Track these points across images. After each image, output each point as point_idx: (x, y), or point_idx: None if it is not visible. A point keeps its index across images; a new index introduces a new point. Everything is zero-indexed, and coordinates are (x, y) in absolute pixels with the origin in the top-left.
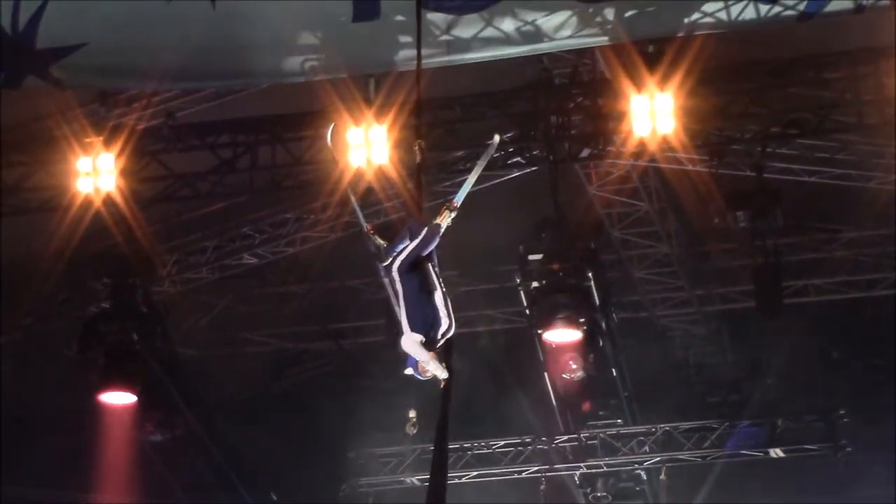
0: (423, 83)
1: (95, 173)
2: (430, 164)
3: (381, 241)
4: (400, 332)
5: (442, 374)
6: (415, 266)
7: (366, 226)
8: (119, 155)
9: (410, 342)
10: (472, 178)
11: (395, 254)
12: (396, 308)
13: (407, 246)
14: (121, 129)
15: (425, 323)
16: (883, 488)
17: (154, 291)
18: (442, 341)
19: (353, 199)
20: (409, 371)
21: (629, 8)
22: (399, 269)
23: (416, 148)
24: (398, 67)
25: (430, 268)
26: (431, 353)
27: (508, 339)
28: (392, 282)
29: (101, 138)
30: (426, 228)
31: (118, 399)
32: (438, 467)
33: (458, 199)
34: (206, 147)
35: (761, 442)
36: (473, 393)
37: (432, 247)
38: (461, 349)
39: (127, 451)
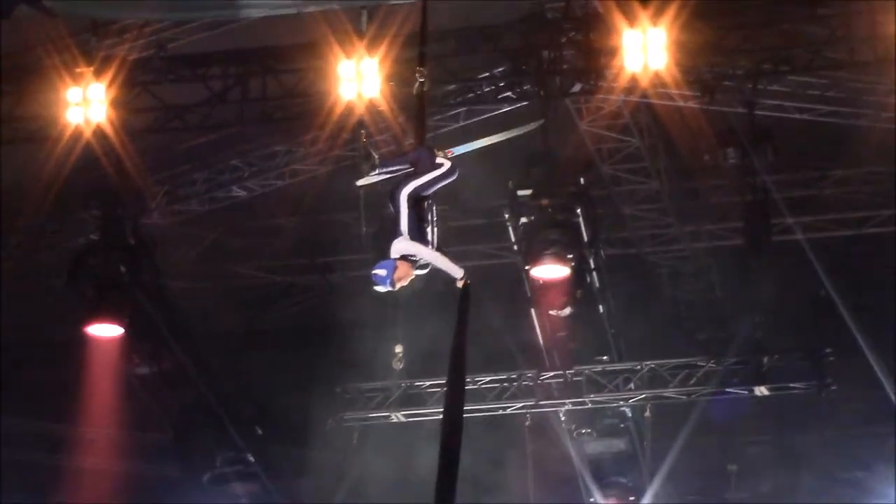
0: (414, 17)
1: (86, 104)
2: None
3: (374, 154)
4: (389, 242)
5: (458, 272)
6: (420, 197)
7: (363, 133)
8: (109, 85)
9: (410, 243)
10: (480, 143)
11: (401, 179)
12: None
13: (418, 174)
14: (112, 60)
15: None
16: (865, 426)
17: (143, 223)
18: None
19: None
20: (380, 287)
21: None
22: (408, 195)
23: (418, 75)
24: (391, 0)
25: (428, 203)
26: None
27: (496, 274)
28: (396, 204)
29: (91, 68)
30: (448, 164)
31: (105, 331)
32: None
33: (457, 151)
34: (197, 79)
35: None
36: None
37: (445, 182)
38: (450, 284)
39: (113, 384)
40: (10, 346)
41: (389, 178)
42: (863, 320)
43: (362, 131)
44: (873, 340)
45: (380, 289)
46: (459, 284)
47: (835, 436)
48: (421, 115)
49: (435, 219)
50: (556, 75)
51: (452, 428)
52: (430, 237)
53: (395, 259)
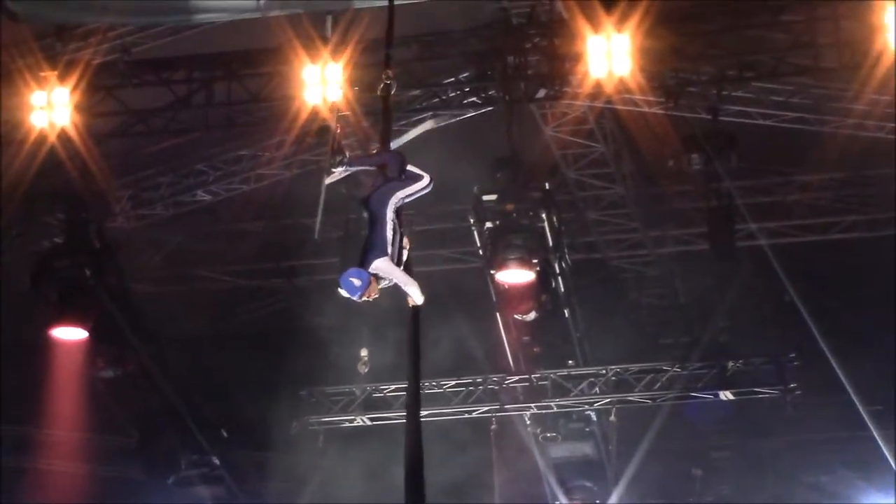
0: (378, 23)
1: (50, 107)
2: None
3: (343, 152)
4: (371, 255)
5: (420, 299)
6: (398, 210)
7: (336, 127)
8: (74, 89)
9: (390, 266)
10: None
11: (380, 188)
12: (374, 234)
13: (389, 178)
14: (76, 64)
15: (393, 252)
16: (829, 431)
17: (108, 227)
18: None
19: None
20: (347, 295)
21: None
22: (377, 202)
23: (384, 77)
24: (355, 4)
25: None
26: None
27: (461, 278)
28: (379, 216)
29: (55, 72)
30: (428, 178)
31: (70, 334)
32: (413, 394)
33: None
34: (162, 83)
35: (711, 384)
36: (424, 333)
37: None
38: None
39: (78, 387)
40: None
41: (360, 183)
42: (827, 326)
43: (336, 125)
44: (837, 346)
45: (345, 295)
46: (410, 304)
47: (799, 440)
48: (387, 117)
49: (402, 231)
50: (521, 81)
51: (414, 448)
52: (402, 258)
53: (371, 275)
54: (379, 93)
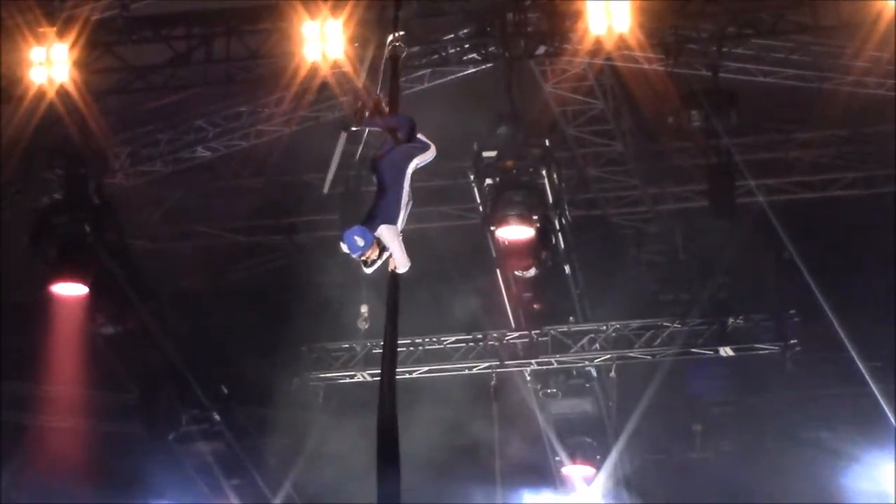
0: None
1: (49, 64)
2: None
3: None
4: (378, 219)
5: (405, 266)
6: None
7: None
8: (73, 46)
9: (396, 237)
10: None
11: (391, 152)
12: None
13: (401, 147)
14: (74, 20)
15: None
16: (828, 387)
17: (107, 183)
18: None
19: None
20: (347, 250)
21: None
22: (391, 167)
23: (393, 40)
24: None
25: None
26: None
27: (461, 235)
28: (396, 181)
29: (54, 29)
30: (433, 147)
31: (69, 290)
32: (389, 354)
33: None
34: (161, 39)
35: (711, 341)
36: (425, 289)
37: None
38: (414, 245)
39: (78, 343)
40: None
41: (359, 141)
42: (826, 282)
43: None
44: (837, 302)
45: (345, 250)
46: (391, 268)
47: (798, 396)
48: (395, 80)
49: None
50: (521, 37)
51: (387, 408)
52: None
53: (375, 238)
54: (387, 55)
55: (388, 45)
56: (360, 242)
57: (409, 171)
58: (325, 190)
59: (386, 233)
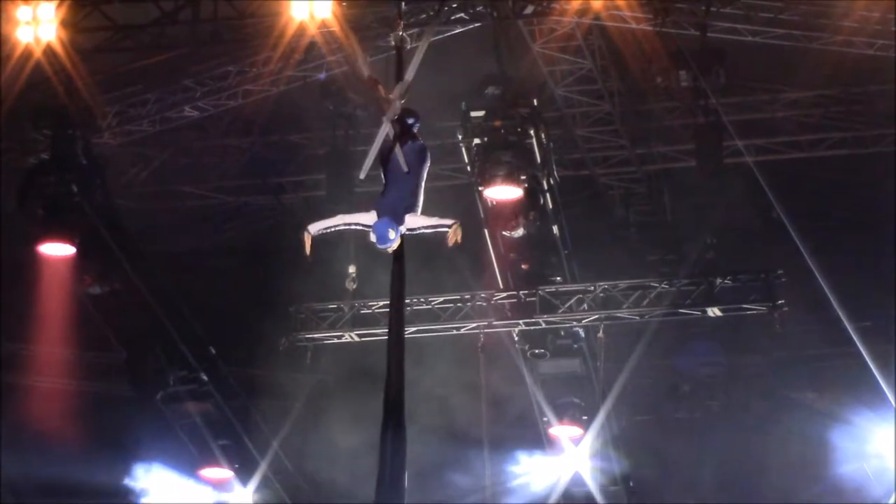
0: None
1: (36, 22)
2: (372, 21)
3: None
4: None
5: (455, 228)
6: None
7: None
8: (60, 4)
9: (417, 218)
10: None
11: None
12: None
13: (413, 141)
14: None
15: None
16: (815, 348)
17: (94, 143)
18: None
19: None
20: (381, 242)
21: None
22: (411, 159)
23: (397, 28)
24: None
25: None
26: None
27: (449, 195)
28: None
29: None
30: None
31: (57, 250)
32: (396, 339)
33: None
34: None
35: (699, 301)
36: (412, 250)
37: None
38: None
39: (65, 304)
40: None
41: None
42: (814, 242)
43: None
44: (825, 262)
45: (374, 240)
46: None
47: (786, 357)
48: (400, 67)
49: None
50: None
51: (396, 376)
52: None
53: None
54: (392, 43)
55: (393, 34)
56: (392, 236)
57: (427, 166)
58: (362, 176)
59: (410, 220)
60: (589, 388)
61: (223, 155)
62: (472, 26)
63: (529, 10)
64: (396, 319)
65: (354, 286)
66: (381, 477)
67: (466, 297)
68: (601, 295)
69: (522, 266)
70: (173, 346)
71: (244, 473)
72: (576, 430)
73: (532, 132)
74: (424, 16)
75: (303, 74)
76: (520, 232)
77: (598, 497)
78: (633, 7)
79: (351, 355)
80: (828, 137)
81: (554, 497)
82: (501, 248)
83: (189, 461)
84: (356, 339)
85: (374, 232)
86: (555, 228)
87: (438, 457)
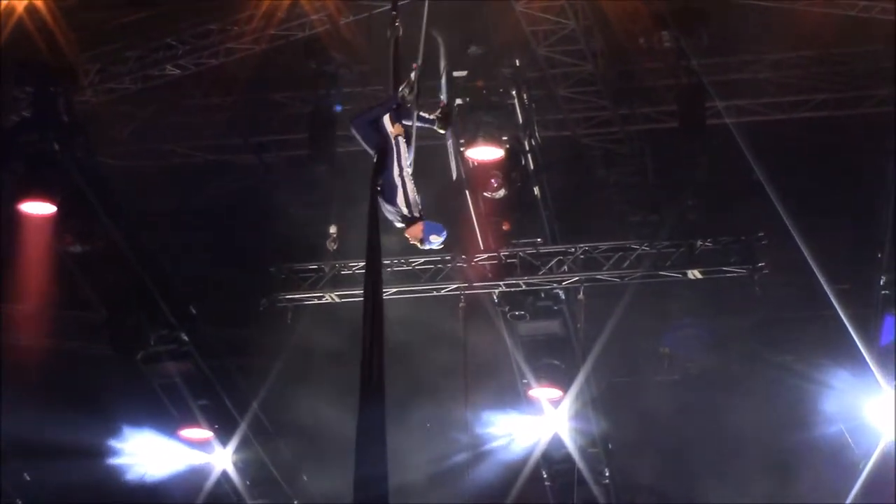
0: None
1: None
2: None
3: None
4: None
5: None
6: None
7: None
8: None
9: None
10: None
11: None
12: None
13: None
14: None
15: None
16: (795, 310)
17: (76, 101)
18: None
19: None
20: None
21: None
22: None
23: (392, 22)
24: None
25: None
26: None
27: (430, 155)
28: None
29: None
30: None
31: (38, 209)
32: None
33: None
34: None
35: (679, 263)
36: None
37: None
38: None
39: (46, 262)
40: None
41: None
42: (794, 205)
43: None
44: (805, 225)
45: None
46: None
47: (766, 319)
48: (396, 61)
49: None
50: None
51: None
52: None
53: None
54: (388, 36)
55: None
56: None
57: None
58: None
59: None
60: (569, 350)
61: (205, 113)
62: None
63: None
64: (373, 283)
65: (335, 246)
66: (360, 440)
67: (447, 257)
68: (581, 257)
69: (503, 227)
70: (154, 306)
71: (224, 434)
72: (555, 392)
73: (514, 93)
74: None
75: (285, 33)
76: (501, 193)
77: (577, 459)
78: None
79: (332, 315)
80: (810, 99)
81: (533, 458)
82: (482, 209)
83: (169, 421)
84: (336, 299)
85: (436, 234)
86: (536, 189)
87: (418, 419)
